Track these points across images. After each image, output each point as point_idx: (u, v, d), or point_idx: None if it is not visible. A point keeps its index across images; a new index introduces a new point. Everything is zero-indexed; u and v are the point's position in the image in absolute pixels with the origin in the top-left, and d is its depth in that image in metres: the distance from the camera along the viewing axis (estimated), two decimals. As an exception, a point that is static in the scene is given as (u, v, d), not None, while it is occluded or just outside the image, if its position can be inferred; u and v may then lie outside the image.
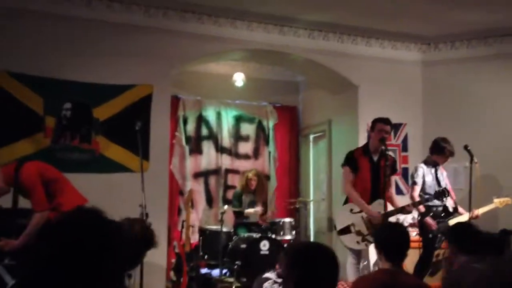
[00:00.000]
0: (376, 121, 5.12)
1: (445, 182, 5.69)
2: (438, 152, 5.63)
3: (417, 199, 5.45)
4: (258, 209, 6.82)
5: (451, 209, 5.57)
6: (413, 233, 5.81)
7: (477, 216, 5.31)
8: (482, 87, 6.81)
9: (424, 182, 5.62)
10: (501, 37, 6.65)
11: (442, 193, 5.12)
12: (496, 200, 5.51)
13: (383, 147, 5.00)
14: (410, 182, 6.00)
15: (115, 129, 5.62)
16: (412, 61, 7.15)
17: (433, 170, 5.68)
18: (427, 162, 5.74)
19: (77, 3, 5.60)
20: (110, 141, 5.61)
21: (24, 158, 4.96)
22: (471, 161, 5.20)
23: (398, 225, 3.57)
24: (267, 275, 4.38)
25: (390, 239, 2.99)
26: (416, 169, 5.70)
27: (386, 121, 5.10)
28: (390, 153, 5.84)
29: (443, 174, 5.74)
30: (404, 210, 5.01)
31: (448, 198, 5.30)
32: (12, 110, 5.28)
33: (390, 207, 5.05)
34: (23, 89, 5.31)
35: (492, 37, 6.70)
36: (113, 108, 5.67)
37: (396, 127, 6.98)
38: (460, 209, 5.58)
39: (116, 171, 5.55)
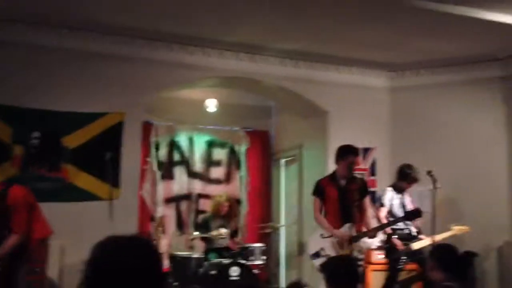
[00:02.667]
0: (345, 153, 5.18)
1: (410, 207, 5.84)
2: (403, 178, 5.81)
3: (384, 220, 5.61)
4: (223, 231, 6.75)
5: (414, 233, 5.73)
6: (380, 256, 5.93)
7: (434, 242, 5.43)
8: (447, 113, 7.02)
9: (391, 206, 5.78)
10: (464, 65, 6.89)
11: (413, 213, 5.22)
12: (455, 228, 5.68)
13: (351, 174, 5.14)
14: (377, 204, 6.13)
15: (85, 158, 5.62)
16: (380, 87, 7.34)
17: (399, 195, 5.85)
18: (394, 187, 5.91)
19: (47, 32, 5.63)
20: (79, 169, 5.60)
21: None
22: (434, 186, 5.34)
23: (347, 258, 3.65)
24: None
25: (338, 271, 3.06)
26: (384, 192, 5.87)
27: (354, 151, 5.23)
28: (361, 176, 5.98)
29: (407, 200, 5.91)
30: (370, 233, 5.10)
31: (411, 222, 5.47)
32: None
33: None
34: (-10, 118, 5.29)
35: (455, 65, 6.93)
36: (83, 136, 5.69)
37: (365, 151, 7.13)
38: (422, 235, 5.73)
39: (85, 200, 5.54)
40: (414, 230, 5.79)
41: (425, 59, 6.84)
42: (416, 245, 5.61)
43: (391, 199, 5.82)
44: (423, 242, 5.57)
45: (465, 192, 6.56)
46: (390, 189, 5.91)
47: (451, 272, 3.24)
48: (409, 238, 5.69)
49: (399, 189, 5.87)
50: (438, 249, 3.79)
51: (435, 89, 7.11)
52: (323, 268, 3.26)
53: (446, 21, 5.51)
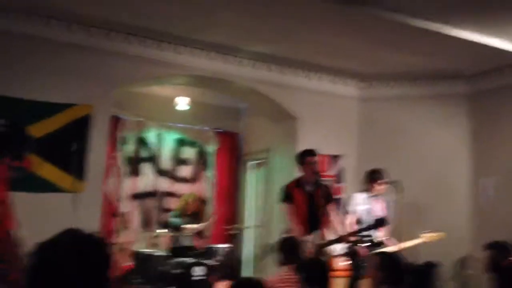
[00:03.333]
0: (304, 156, 5.27)
1: (379, 213, 5.90)
2: (370, 180, 5.85)
3: (348, 227, 5.65)
4: (190, 226, 6.74)
5: (377, 240, 5.78)
6: (343, 263, 5.98)
7: (401, 250, 5.53)
8: (413, 125, 7.19)
9: (357, 211, 5.82)
10: (432, 79, 7.07)
11: (380, 222, 5.30)
12: (424, 235, 5.74)
13: (317, 178, 5.17)
14: (343, 210, 6.18)
15: (50, 148, 5.51)
16: (349, 96, 7.45)
17: (366, 200, 5.89)
18: (362, 191, 5.95)
19: (19, 19, 5.51)
20: (43, 159, 5.49)
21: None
22: (398, 196, 5.43)
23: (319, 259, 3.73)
24: None
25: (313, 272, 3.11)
26: (351, 199, 5.90)
27: (312, 152, 5.27)
28: (326, 183, 6.03)
29: (377, 205, 5.90)
30: (339, 240, 5.16)
31: (378, 229, 5.54)
32: None
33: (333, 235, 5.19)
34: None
35: (424, 79, 7.11)
36: (49, 126, 5.57)
37: (333, 158, 7.22)
38: (388, 241, 5.80)
39: (49, 191, 5.43)
40: (378, 237, 5.83)
41: (395, 71, 6.99)
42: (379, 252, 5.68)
43: (356, 205, 5.86)
44: (388, 250, 5.63)
45: (427, 203, 6.71)
46: (357, 194, 5.93)
47: (399, 284, 3.23)
48: (373, 244, 5.73)
49: (365, 192, 5.92)
50: (382, 260, 3.80)
51: (403, 101, 7.27)
52: (301, 269, 3.30)
53: (416, 35, 5.63)
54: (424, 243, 5.75)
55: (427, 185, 6.83)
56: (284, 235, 4.68)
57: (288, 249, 3.90)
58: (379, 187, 5.85)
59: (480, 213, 6.68)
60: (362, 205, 5.85)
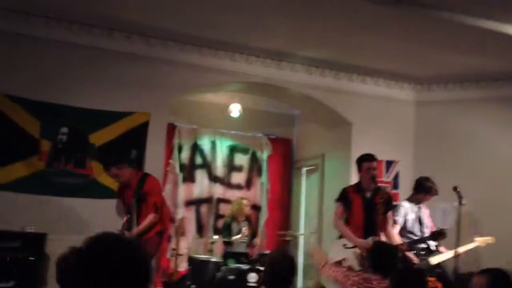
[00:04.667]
0: (361, 161, 5.18)
1: (427, 220, 5.76)
2: (425, 191, 5.70)
3: (397, 237, 5.52)
4: (245, 231, 6.77)
5: (433, 248, 5.61)
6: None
7: (459, 255, 5.33)
8: (473, 129, 6.94)
9: (406, 221, 5.68)
10: (493, 81, 6.81)
11: (439, 234, 5.15)
12: (478, 239, 5.56)
13: (375, 185, 5.08)
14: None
15: (110, 155, 5.66)
16: (405, 100, 7.29)
17: (415, 208, 5.75)
18: (410, 200, 5.81)
19: (78, 30, 5.71)
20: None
21: (18, 180, 5.00)
22: (460, 202, 5.26)
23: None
24: None
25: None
26: (398, 207, 5.76)
27: (370, 158, 5.18)
28: (387, 190, 5.92)
29: (425, 213, 5.80)
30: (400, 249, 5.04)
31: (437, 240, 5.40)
32: (9, 133, 5.34)
33: None
34: (21, 112, 5.39)
35: (484, 81, 6.85)
36: (109, 134, 5.74)
37: (388, 164, 7.08)
38: (442, 248, 5.63)
39: (109, 197, 5.57)
40: (433, 245, 5.67)
41: (453, 73, 6.78)
42: (435, 260, 5.52)
43: (406, 214, 5.71)
44: (443, 256, 5.47)
45: (489, 210, 6.44)
46: (404, 203, 5.79)
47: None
48: (426, 253, 5.58)
49: (416, 201, 5.78)
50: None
51: (462, 105, 7.03)
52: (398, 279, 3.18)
53: (476, 35, 5.45)
54: (478, 247, 5.55)
55: (490, 191, 6.55)
56: (377, 240, 4.61)
57: (382, 256, 3.74)
58: (428, 196, 5.72)
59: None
60: (410, 213, 5.71)
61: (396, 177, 7.14)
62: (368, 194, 5.13)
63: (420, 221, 5.70)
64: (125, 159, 5.25)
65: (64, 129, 5.57)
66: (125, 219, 5.15)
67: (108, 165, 5.01)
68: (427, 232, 5.62)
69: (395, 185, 7.11)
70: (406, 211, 5.70)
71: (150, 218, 4.94)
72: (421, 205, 5.79)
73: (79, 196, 5.44)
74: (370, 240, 4.91)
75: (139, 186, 5.00)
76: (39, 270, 4.92)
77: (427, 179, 5.76)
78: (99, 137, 5.71)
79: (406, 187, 6.96)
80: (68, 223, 5.40)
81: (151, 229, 5.00)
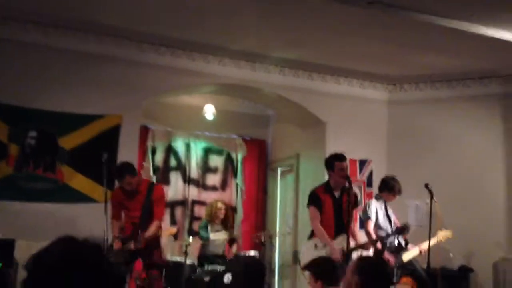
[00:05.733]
0: (333, 160, 5.20)
1: (393, 217, 5.89)
2: (388, 190, 5.81)
3: (372, 233, 5.60)
4: (225, 235, 6.77)
5: (403, 244, 5.70)
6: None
7: (424, 251, 5.39)
8: (445, 128, 7.04)
9: (377, 217, 5.78)
10: (463, 80, 6.91)
11: (403, 229, 5.23)
12: (439, 234, 5.60)
13: (346, 184, 5.12)
14: (363, 217, 6.08)
15: (81, 159, 5.59)
16: (378, 100, 7.36)
17: (383, 207, 5.85)
18: (378, 199, 5.90)
19: (47, 32, 5.62)
20: (75, 170, 5.56)
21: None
22: (431, 199, 5.33)
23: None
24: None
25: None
26: (368, 205, 5.84)
27: (341, 157, 5.20)
28: (353, 189, 5.97)
29: (390, 211, 5.91)
30: (364, 246, 5.11)
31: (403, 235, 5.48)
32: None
33: (353, 242, 5.14)
34: (-12, 116, 5.27)
35: (455, 80, 6.96)
36: (80, 137, 5.66)
37: (362, 163, 7.13)
38: (410, 245, 5.71)
39: (80, 201, 5.49)
40: (403, 241, 5.76)
41: (425, 73, 6.87)
42: (406, 257, 5.59)
43: (376, 211, 5.83)
44: (412, 252, 5.58)
45: (460, 207, 6.55)
46: (373, 201, 5.92)
47: None
48: (399, 249, 5.67)
49: (381, 200, 5.89)
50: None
51: (434, 104, 7.13)
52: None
53: (447, 36, 5.53)
54: (439, 242, 5.62)
55: (461, 188, 6.67)
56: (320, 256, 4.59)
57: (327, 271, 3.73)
58: (391, 195, 5.83)
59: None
60: (379, 210, 5.84)
61: (370, 176, 7.20)
62: (337, 194, 5.18)
63: (389, 219, 5.80)
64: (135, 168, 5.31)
65: (33, 133, 5.46)
66: (119, 223, 5.18)
67: (124, 174, 5.02)
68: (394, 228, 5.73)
69: (369, 184, 7.17)
70: (376, 208, 5.82)
71: (157, 224, 5.17)
72: (388, 203, 5.90)
73: (48, 201, 5.35)
74: (340, 240, 4.96)
75: (148, 193, 5.16)
76: (7, 276, 4.82)
77: (392, 178, 5.86)
78: (70, 141, 5.62)
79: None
80: (37, 229, 5.28)
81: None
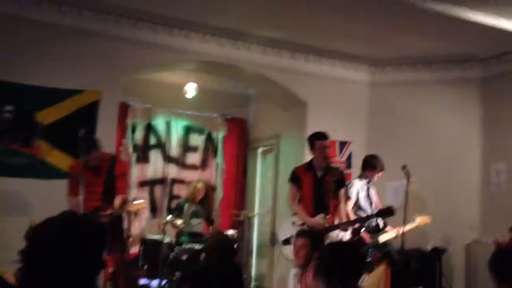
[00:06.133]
0: (315, 139, 5.18)
1: (375, 198, 6.00)
2: (371, 167, 5.89)
3: (351, 213, 5.66)
4: (201, 221, 6.77)
5: (381, 226, 5.78)
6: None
7: (401, 234, 5.45)
8: (424, 110, 7.09)
9: (358, 198, 5.86)
10: (444, 63, 6.95)
11: (386, 212, 5.25)
12: (417, 219, 5.69)
13: (328, 164, 5.14)
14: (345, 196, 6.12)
15: (58, 134, 5.49)
16: (360, 81, 7.37)
17: (365, 188, 5.92)
18: (361, 178, 5.97)
19: (25, 6, 5.46)
20: (52, 146, 5.47)
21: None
22: (408, 181, 5.38)
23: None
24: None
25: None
26: (351, 185, 5.90)
27: (323, 136, 5.18)
28: (340, 168, 6.01)
29: (372, 191, 6.00)
30: (341, 226, 5.12)
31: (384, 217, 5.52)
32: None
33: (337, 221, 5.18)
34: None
35: (436, 63, 7.00)
36: (58, 112, 5.55)
37: (342, 144, 7.16)
38: (388, 227, 5.79)
39: (57, 177, 5.40)
40: (381, 223, 5.84)
41: (407, 55, 6.88)
42: (382, 238, 5.68)
43: (358, 192, 5.90)
44: (389, 235, 5.67)
45: (436, 188, 6.65)
46: (356, 181, 6.00)
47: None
48: (376, 230, 5.75)
49: (365, 178, 5.98)
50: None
51: (414, 86, 7.17)
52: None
53: (429, 18, 5.53)
54: (417, 227, 5.70)
55: (438, 170, 6.77)
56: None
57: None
58: (375, 172, 5.92)
59: (490, 199, 6.60)
60: (361, 191, 5.92)
61: (349, 157, 7.24)
62: (320, 173, 5.17)
63: (369, 199, 5.88)
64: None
65: (9, 107, 5.34)
66: (80, 197, 5.02)
67: (91, 150, 4.91)
68: (374, 210, 5.79)
69: (348, 165, 7.21)
70: (358, 188, 5.88)
71: (121, 197, 5.09)
72: (370, 183, 5.96)
73: (25, 176, 5.26)
74: (319, 218, 4.98)
75: (111, 168, 5.09)
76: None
77: (372, 156, 5.97)
78: (47, 116, 5.50)
79: (359, 166, 7.07)
80: (14, 204, 5.22)
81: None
